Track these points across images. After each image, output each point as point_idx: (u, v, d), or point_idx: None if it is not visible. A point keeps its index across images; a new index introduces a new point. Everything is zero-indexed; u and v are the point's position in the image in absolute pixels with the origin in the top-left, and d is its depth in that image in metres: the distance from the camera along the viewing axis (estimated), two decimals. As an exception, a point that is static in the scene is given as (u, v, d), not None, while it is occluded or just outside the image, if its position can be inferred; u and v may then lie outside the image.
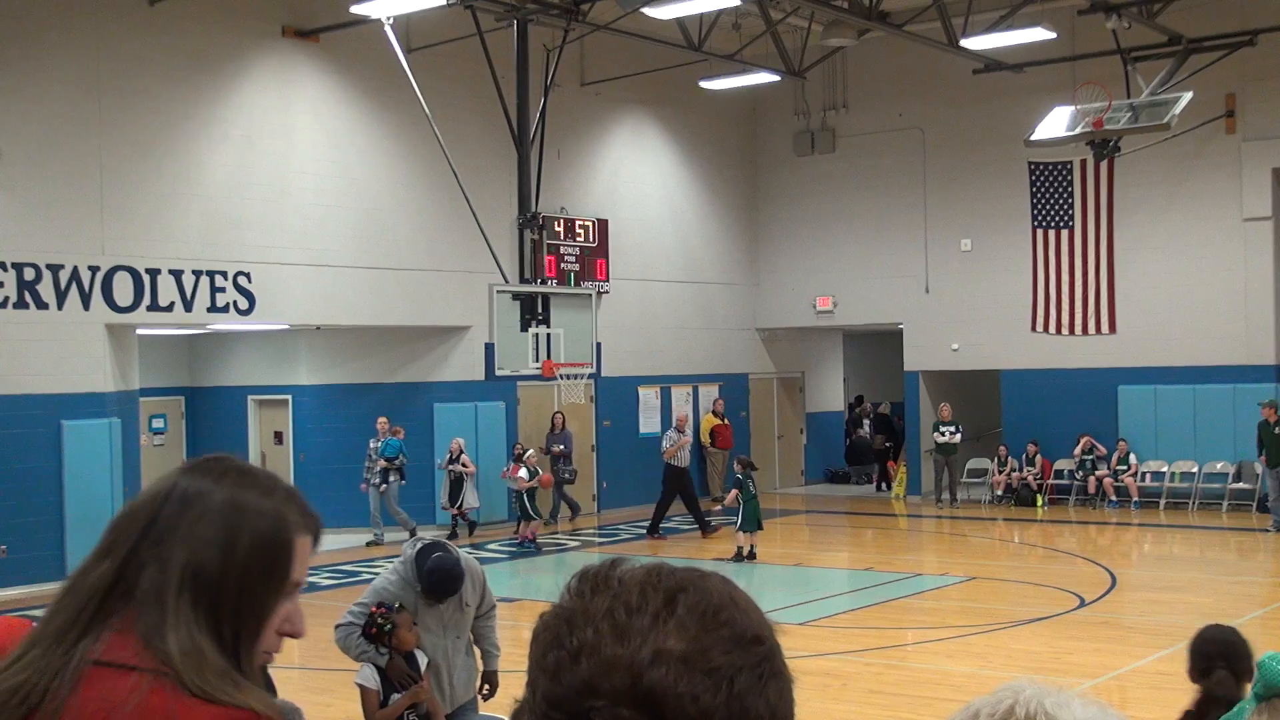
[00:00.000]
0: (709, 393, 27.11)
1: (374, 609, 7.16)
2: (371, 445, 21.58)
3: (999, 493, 25.12)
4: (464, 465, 21.71)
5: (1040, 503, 24.47)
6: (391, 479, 21.26)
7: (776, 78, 23.72)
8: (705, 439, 26.61)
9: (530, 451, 21.59)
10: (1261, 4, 20.53)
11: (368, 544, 21.10)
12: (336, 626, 7.26)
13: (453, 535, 20.79)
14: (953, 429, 25.18)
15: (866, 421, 30.42)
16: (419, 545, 7.45)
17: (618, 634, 1.33)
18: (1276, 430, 20.87)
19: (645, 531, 21.79)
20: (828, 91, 26.76)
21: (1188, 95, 19.08)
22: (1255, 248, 23.38)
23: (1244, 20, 21.22)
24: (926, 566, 19.26)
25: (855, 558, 20.05)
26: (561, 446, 23.24)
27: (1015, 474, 24.93)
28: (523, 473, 20.93)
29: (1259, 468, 22.04)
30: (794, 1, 20.74)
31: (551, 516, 23.21)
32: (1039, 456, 24.72)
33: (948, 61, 22.99)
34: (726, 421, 26.74)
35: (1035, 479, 24.65)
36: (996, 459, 25.42)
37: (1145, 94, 19.78)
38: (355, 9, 18.63)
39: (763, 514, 19.05)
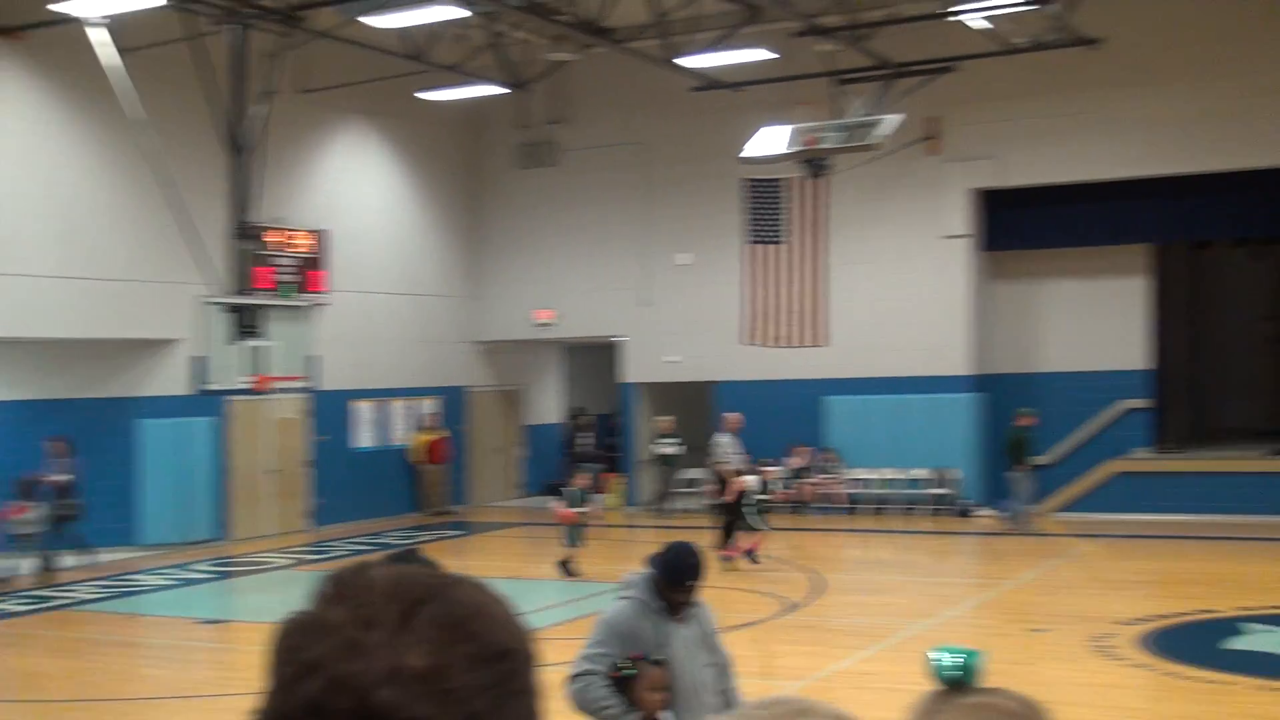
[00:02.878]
0: (428, 406, 26.93)
1: (630, 656, 6.02)
2: None
3: (712, 502, 25.58)
4: None
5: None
6: None
7: (500, 90, 23.73)
8: (419, 455, 26.38)
9: (775, 468, 19.92)
10: (962, 33, 21.55)
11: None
12: (572, 678, 6.13)
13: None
14: (673, 440, 25.59)
15: (583, 434, 30.56)
16: (649, 559, 6.42)
17: (351, 649, 1.23)
18: (1025, 435, 22.05)
19: None
20: (551, 105, 26.89)
21: (895, 117, 19.85)
22: (954, 264, 24.57)
23: (946, 48, 22.23)
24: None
25: (571, 569, 20.10)
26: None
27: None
28: (751, 479, 19.20)
29: (959, 473, 23.14)
30: (517, 16, 20.78)
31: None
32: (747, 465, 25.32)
33: (670, 78, 23.36)
34: (441, 435, 26.61)
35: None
36: (710, 469, 25.92)
37: (855, 115, 20.51)
38: (55, 6, 17.75)
39: (478, 527, 18.98)
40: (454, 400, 27.77)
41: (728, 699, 6.33)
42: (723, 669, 6.45)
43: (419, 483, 26.52)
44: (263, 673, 1.29)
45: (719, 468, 20.12)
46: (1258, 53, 22.26)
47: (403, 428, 26.62)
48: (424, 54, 21.69)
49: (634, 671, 5.94)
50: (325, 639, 1.24)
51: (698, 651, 6.29)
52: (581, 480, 19.06)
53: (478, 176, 28.44)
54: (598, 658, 6.10)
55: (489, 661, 1.26)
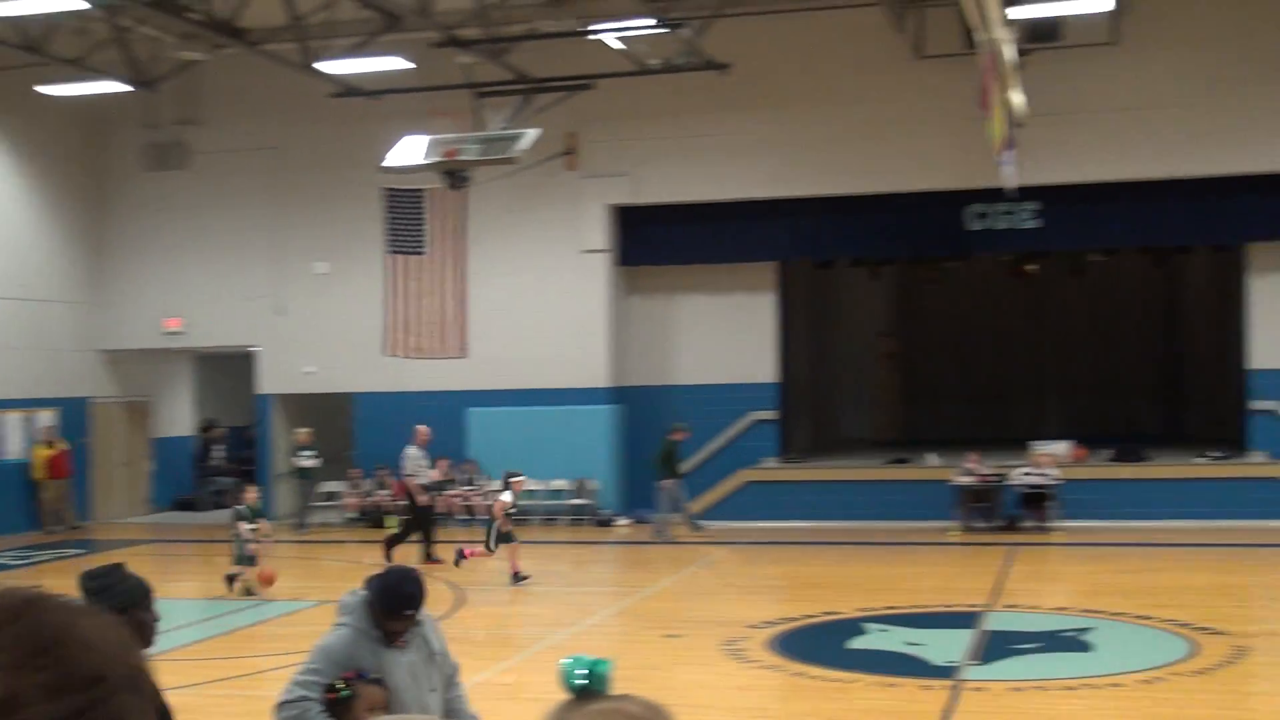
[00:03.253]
0: (45, 419, 25.48)
1: (344, 676, 5.62)
2: None
3: (352, 515, 25.25)
4: None
5: (391, 524, 24.72)
6: None
7: (125, 88, 22.66)
8: (39, 472, 24.92)
9: (521, 477, 19.11)
10: (599, 52, 21.92)
11: None
12: (280, 705, 5.70)
13: None
14: (312, 453, 25.05)
15: (216, 446, 29.61)
16: (366, 582, 5.96)
17: None
18: (675, 447, 22.57)
19: None
20: (182, 105, 25.87)
21: (534, 132, 20.00)
22: (592, 278, 24.99)
23: (583, 65, 22.56)
24: (278, 592, 18.97)
25: (203, 587, 19.39)
26: None
27: (368, 496, 25.15)
28: (506, 496, 18.48)
29: (598, 484, 23.50)
30: (143, 11, 19.88)
31: None
32: (390, 478, 25.06)
33: (308, 83, 22.84)
34: (61, 449, 25.21)
35: (389, 500, 24.95)
36: (349, 481, 25.55)
37: (494, 128, 20.57)
38: None
39: (103, 545, 18.10)
40: (76, 412, 26.36)
41: (452, 708, 6.10)
42: (448, 680, 6.17)
43: (38, 499, 25.05)
44: None
45: (409, 481, 20.03)
46: (879, 83, 23.52)
47: (18, 441, 25.08)
48: (41, 46, 20.51)
49: (349, 693, 5.62)
50: None
51: (423, 676, 5.96)
52: (250, 496, 18.78)
53: (102, 177, 27.11)
54: (312, 684, 5.71)
55: (73, 689, 1.16)
